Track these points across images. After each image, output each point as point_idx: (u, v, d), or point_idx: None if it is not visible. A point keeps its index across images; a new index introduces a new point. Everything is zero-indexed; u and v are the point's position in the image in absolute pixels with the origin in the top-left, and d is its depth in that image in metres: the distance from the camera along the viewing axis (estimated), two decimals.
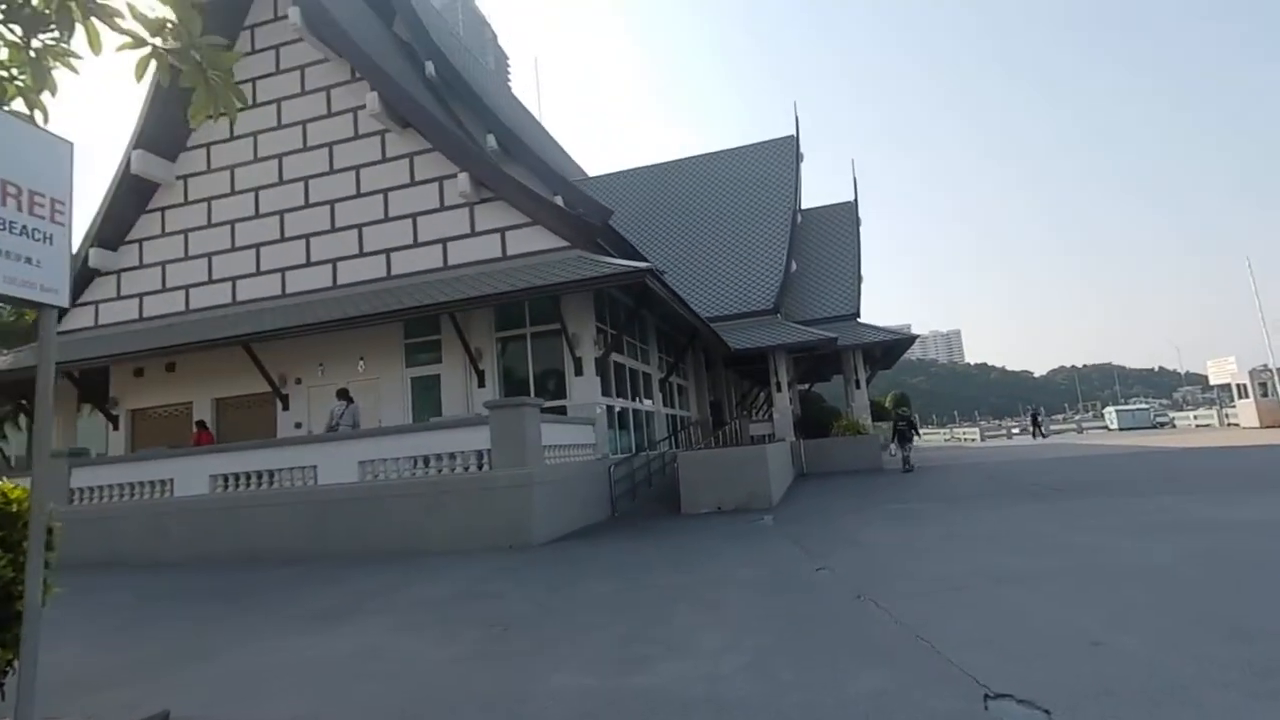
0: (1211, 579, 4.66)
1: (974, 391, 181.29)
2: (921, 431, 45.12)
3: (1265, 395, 26.32)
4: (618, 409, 13.49)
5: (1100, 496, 9.44)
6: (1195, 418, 34.69)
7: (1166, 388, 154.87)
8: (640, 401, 15.32)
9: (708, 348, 19.69)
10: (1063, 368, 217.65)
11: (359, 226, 13.76)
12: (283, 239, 14.18)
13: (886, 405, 39.81)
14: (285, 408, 13.76)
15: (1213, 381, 31.99)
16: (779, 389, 20.21)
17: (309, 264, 13.96)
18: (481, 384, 12.67)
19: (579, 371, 12.13)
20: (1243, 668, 3.02)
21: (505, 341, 13.04)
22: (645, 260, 18.64)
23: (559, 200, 15.54)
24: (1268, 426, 25.36)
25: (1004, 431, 43.60)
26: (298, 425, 13.51)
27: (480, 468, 9.26)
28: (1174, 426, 34.49)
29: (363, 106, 13.52)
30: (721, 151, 27.95)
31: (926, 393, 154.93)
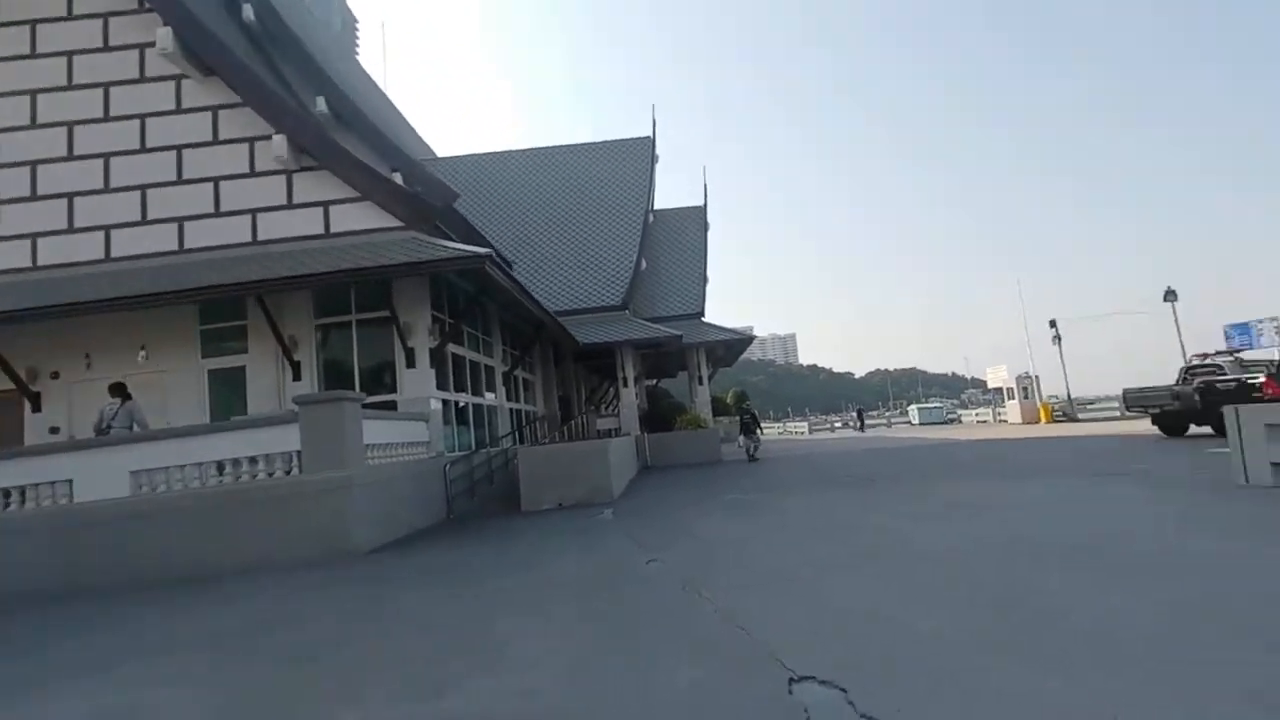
0: (989, 558, 5.18)
1: (806, 390, 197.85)
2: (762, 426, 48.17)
3: (1026, 397, 31.18)
4: (458, 404, 12.75)
5: (905, 485, 10.44)
6: (976, 415, 40.37)
7: (957, 390, 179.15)
8: (482, 396, 14.63)
9: (557, 342, 19.35)
10: (879, 370, 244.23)
11: (142, 188, 11.69)
12: (35, 197, 11.68)
13: (728, 401, 42.03)
14: (36, 409, 11.35)
15: (989, 385, 37.51)
16: (625, 384, 20.39)
17: (72, 230, 11.63)
18: (297, 377, 11.32)
19: (411, 363, 11.25)
20: (1013, 636, 3.31)
21: (326, 330, 11.76)
22: (491, 247, 17.97)
23: (397, 177, 14.40)
24: (1027, 422, 30.16)
25: (828, 426, 47.79)
26: (54, 430, 11.20)
27: (289, 471, 8.20)
28: (960, 422, 39.84)
29: (152, 43, 11.49)
30: (578, 145, 27.74)
31: (765, 391, 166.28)
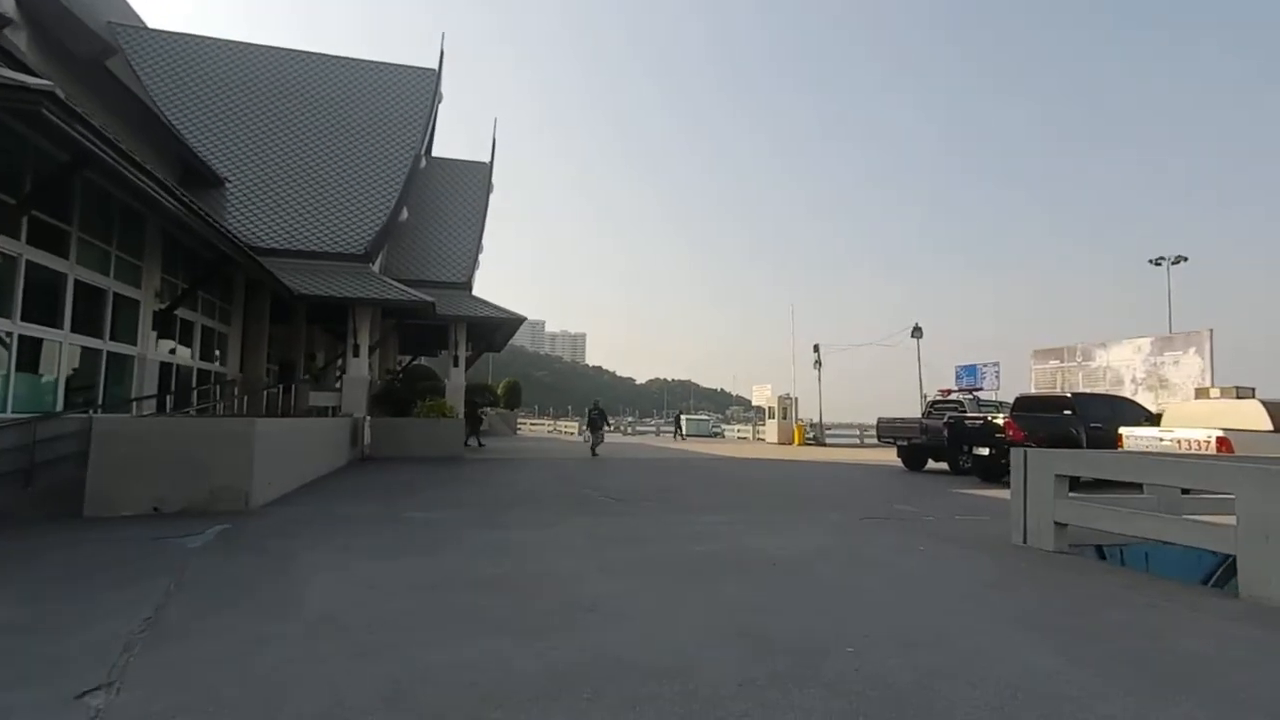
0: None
1: (589, 389, 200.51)
2: (523, 421, 45.78)
3: (784, 418, 32.61)
4: (15, 335, 8.00)
5: (652, 512, 8.34)
6: (738, 431, 42.08)
7: (724, 404, 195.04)
8: (97, 336, 9.83)
9: (278, 290, 14.65)
10: (658, 379, 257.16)
11: None
12: None
13: (499, 391, 38.76)
14: None
15: (754, 403, 39.21)
16: (355, 352, 16.29)
17: None
18: None
19: None
20: None
21: None
22: (187, 148, 12.89)
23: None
24: (782, 442, 31.49)
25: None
26: None
27: None
28: (724, 436, 41.14)
29: None
30: (345, 58, 22.58)
31: (548, 386, 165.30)
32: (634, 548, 5.93)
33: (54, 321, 8.79)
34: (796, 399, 32.51)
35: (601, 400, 21.82)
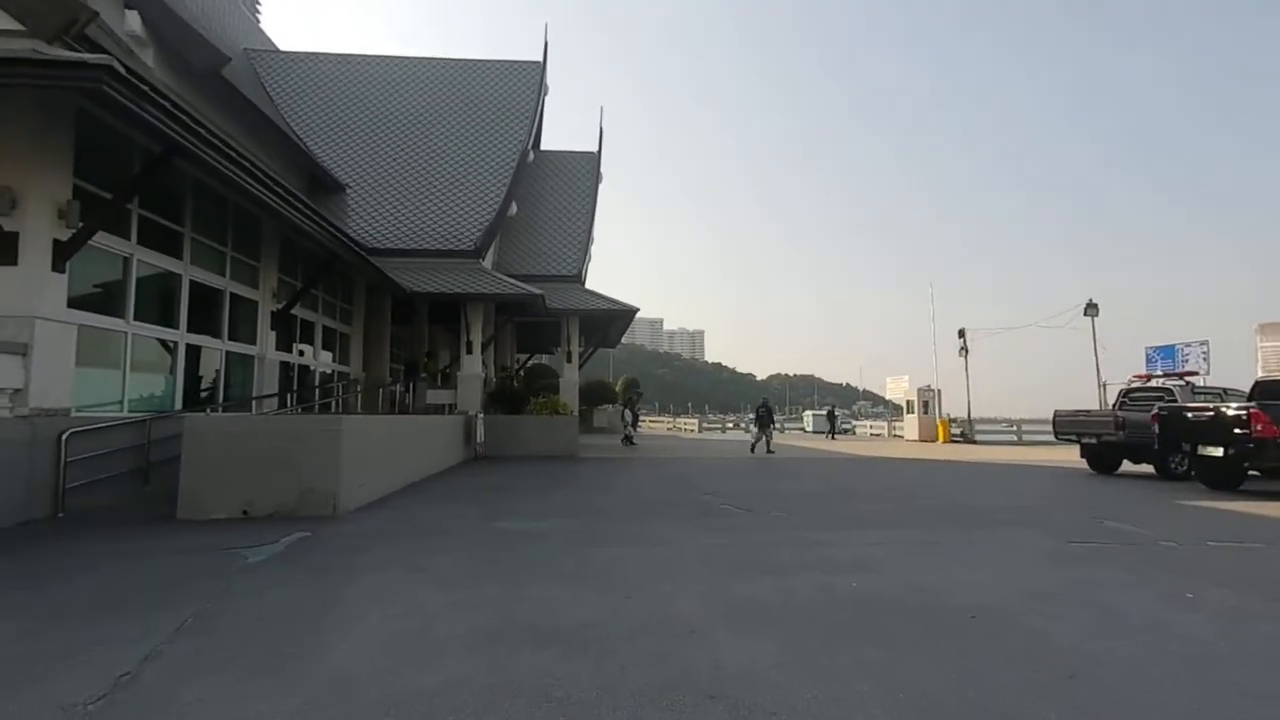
0: None
1: (708, 386, 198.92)
2: (643, 418, 45.28)
3: (926, 412, 29.33)
4: (130, 335, 8.00)
5: (795, 524, 6.85)
6: (871, 428, 38.77)
7: (850, 400, 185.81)
8: (217, 337, 9.91)
9: (390, 286, 14.70)
10: (779, 374, 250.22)
11: None
12: None
13: (616, 389, 38.35)
14: None
15: (889, 397, 35.81)
16: (470, 349, 16.02)
17: None
18: None
19: (3, 255, 6.49)
20: None
21: None
22: (311, 157, 13.13)
23: (133, 17, 9.84)
24: (924, 440, 28.30)
25: (719, 425, 45.13)
26: None
27: None
28: (854, 434, 38.05)
29: None
30: (451, 60, 22.76)
31: (669, 384, 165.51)
32: (767, 579, 4.53)
33: (170, 321, 8.81)
34: (939, 391, 29.15)
35: (769, 399, 20.44)
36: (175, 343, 8.92)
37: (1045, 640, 3.41)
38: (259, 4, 24.62)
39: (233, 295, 10.35)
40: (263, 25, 22.98)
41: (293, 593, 4.05)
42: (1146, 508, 8.49)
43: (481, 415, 15.04)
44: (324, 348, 14.54)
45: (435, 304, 17.60)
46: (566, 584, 4.34)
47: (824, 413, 37.58)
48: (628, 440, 20.92)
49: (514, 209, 18.78)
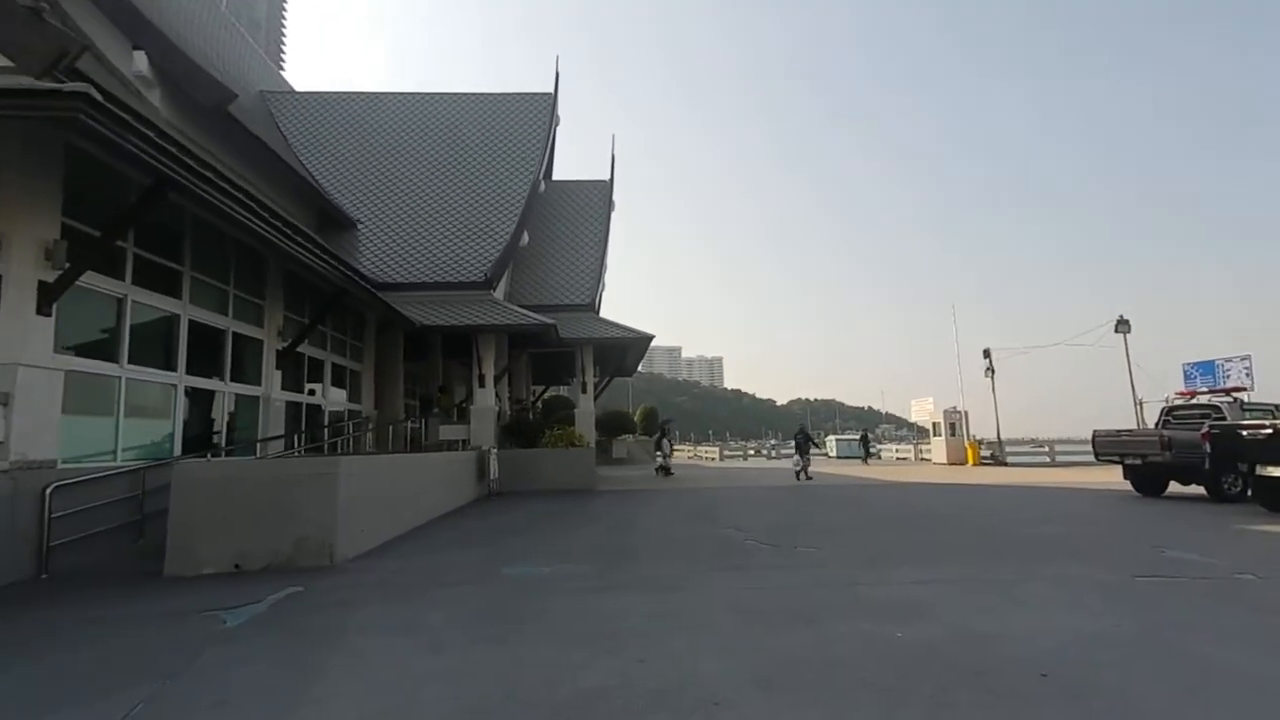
0: None
1: (728, 413, 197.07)
2: (675, 446, 44.64)
3: (953, 434, 28.39)
4: (124, 379, 7.74)
5: (822, 564, 6.30)
6: (897, 452, 37.71)
7: (873, 423, 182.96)
8: (219, 378, 9.66)
9: (398, 320, 14.51)
10: (799, 399, 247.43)
11: None
12: None
13: (635, 419, 37.82)
14: None
15: (914, 419, 34.79)
16: (482, 383, 15.71)
17: None
18: None
19: None
20: None
21: None
22: (326, 199, 13.11)
23: (140, 57, 9.95)
24: (952, 463, 27.32)
25: (740, 453, 44.23)
26: None
27: None
28: (880, 458, 37.05)
29: None
30: (464, 94, 22.98)
31: (689, 412, 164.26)
32: (803, 631, 4.02)
33: (168, 364, 8.57)
34: (966, 412, 28.24)
35: (806, 425, 20.55)
36: (174, 385, 8.67)
37: (1136, 706, 2.86)
38: (283, 53, 25.24)
39: (236, 334, 10.14)
40: (287, 73, 23.40)
41: (261, 668, 3.60)
42: (1206, 534, 7.80)
43: (495, 450, 14.63)
44: (334, 385, 14.30)
45: (449, 338, 17.39)
46: (574, 644, 3.86)
47: (851, 438, 36.69)
48: (664, 471, 20.23)
49: (526, 239, 18.65)
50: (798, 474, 18.06)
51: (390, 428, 15.11)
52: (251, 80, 20.11)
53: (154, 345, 8.37)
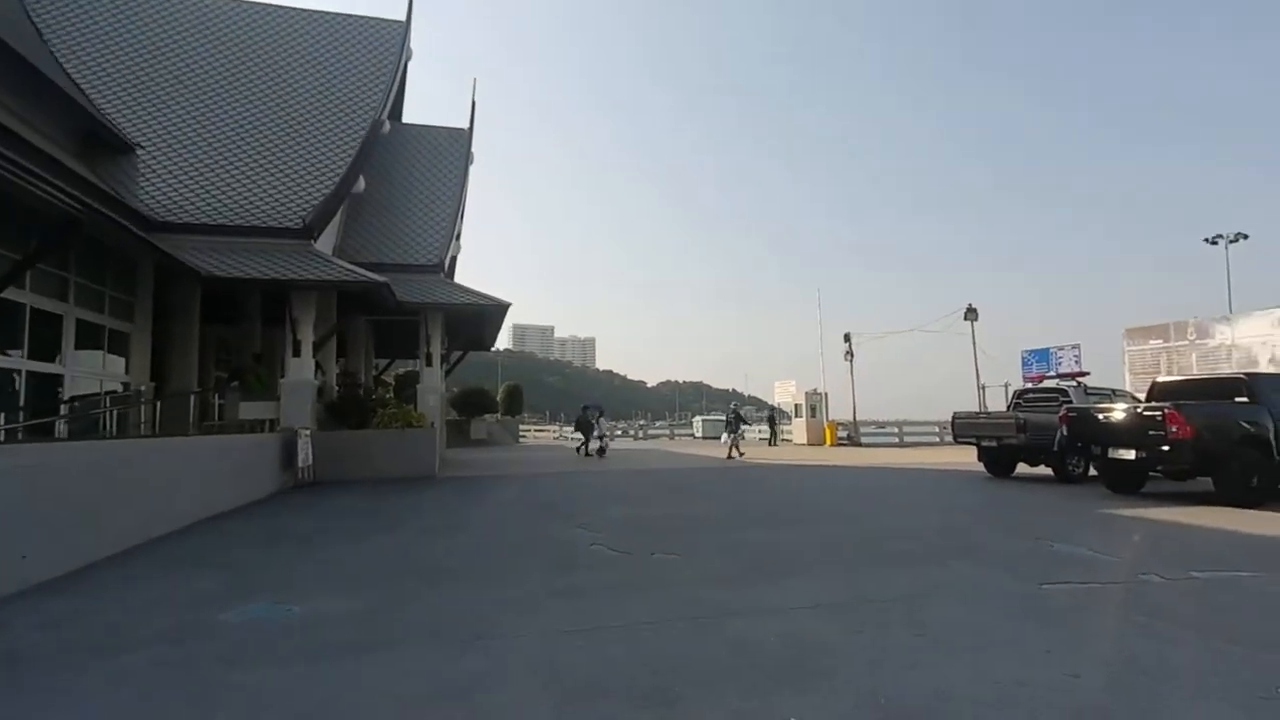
0: None
1: (600, 394, 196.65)
2: (529, 427, 43.09)
3: (814, 415, 29.12)
4: None
5: (681, 582, 4.98)
6: (759, 432, 38.52)
7: (737, 405, 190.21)
8: None
9: (176, 268, 11.47)
10: (669, 381, 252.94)
11: None
12: None
13: (497, 397, 35.48)
14: None
15: (776, 401, 35.59)
16: (296, 351, 13.05)
17: None
18: None
19: None
20: None
21: None
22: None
23: None
24: (812, 444, 28.00)
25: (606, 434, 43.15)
26: None
27: None
28: (744, 438, 37.43)
29: None
30: (297, 8, 19.36)
31: (560, 391, 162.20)
32: (649, 713, 2.58)
33: None
34: (826, 395, 29.02)
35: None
36: None
37: None
38: None
39: None
40: None
41: None
42: (1077, 520, 7.49)
43: (308, 431, 12.15)
44: (89, 349, 11.12)
45: (270, 298, 14.39)
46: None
47: (716, 419, 36.85)
48: (601, 452, 19.79)
49: (362, 185, 15.89)
50: (729, 452, 18.46)
51: (160, 405, 12.06)
52: None
53: None
